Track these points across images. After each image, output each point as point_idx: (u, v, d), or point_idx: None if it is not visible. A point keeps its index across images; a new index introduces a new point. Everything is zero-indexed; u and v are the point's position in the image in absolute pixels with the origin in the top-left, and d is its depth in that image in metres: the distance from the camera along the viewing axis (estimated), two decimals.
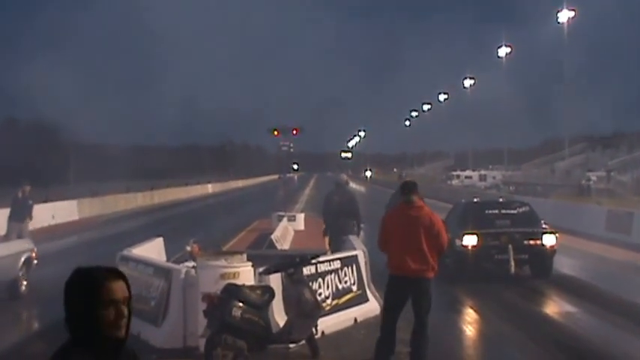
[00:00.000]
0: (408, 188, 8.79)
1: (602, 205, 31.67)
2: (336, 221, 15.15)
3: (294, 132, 32.35)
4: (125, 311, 2.50)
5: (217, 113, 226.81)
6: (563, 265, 16.30)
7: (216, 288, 8.64)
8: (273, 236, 20.05)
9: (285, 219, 26.48)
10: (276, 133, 31.91)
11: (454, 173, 78.26)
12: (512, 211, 15.96)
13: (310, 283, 9.71)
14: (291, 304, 8.97)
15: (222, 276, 8.91)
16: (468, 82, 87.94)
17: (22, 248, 14.08)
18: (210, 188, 74.05)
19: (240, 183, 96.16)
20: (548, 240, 15.06)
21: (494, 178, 72.42)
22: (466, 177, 74.34)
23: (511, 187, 60.41)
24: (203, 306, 8.51)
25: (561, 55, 67.10)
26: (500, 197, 31.19)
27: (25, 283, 13.79)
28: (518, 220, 15.59)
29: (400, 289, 8.43)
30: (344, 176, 17.16)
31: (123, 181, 56.25)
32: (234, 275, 8.95)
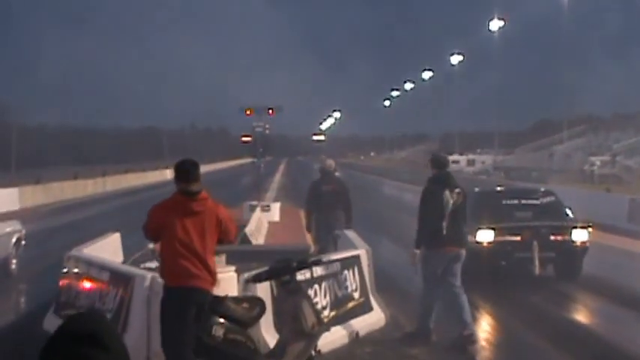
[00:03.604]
0: (193, 170, 7.56)
1: (611, 192, 30.98)
2: (325, 215, 14.56)
3: (270, 112, 31.32)
4: None
5: (178, 94, 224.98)
6: (589, 264, 15.31)
7: None
8: (247, 229, 19.00)
9: (258, 209, 25.41)
10: (248, 112, 30.83)
11: None
12: (534, 202, 15.09)
13: None
14: (286, 319, 7.82)
15: None
16: (455, 59, 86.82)
17: (13, 229, 15.81)
18: (168, 174, 72.73)
19: (202, 168, 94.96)
20: (579, 235, 14.15)
21: (483, 162, 72.12)
22: (453, 162, 73.50)
23: (502, 173, 59.92)
24: None
25: (559, 29, 66.62)
26: (499, 185, 30.30)
27: (14, 262, 15.53)
28: (542, 211, 14.70)
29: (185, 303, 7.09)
30: (331, 161, 15.81)
31: (71, 167, 54.84)
32: None
